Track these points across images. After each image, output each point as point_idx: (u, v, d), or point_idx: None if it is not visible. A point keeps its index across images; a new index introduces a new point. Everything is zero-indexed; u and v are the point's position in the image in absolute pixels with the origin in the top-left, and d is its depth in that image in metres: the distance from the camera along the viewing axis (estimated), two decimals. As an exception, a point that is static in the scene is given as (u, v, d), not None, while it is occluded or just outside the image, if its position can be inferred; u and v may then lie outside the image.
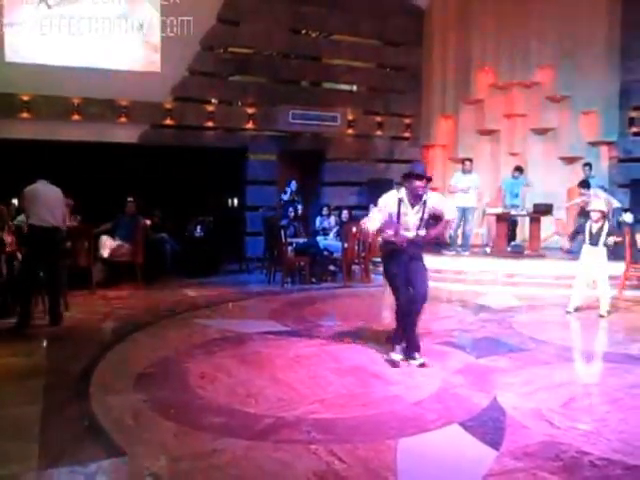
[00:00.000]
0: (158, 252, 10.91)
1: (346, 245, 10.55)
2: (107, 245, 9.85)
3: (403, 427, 4.27)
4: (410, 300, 5.68)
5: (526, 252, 11.35)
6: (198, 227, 11.65)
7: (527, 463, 3.71)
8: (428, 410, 4.60)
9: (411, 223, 5.66)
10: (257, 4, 12.50)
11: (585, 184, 11.30)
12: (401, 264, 5.69)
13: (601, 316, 7.91)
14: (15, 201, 9.88)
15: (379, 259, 9.33)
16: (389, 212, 5.63)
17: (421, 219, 5.67)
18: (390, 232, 5.70)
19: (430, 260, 10.97)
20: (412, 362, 5.72)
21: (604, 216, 8.09)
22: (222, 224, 12.01)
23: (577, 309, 8.14)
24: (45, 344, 6.34)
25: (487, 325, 7.51)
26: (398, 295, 5.74)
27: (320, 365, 5.72)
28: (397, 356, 5.79)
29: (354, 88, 14.32)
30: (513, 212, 11.75)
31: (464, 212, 11.57)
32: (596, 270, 7.99)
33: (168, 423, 4.29)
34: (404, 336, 5.81)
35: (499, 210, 11.74)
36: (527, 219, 11.92)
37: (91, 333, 6.88)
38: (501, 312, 8.31)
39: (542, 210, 11.47)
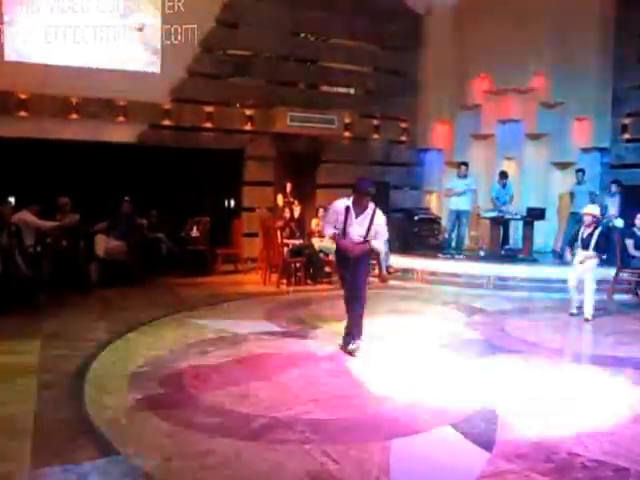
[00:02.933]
0: (154, 252, 10.91)
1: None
2: (103, 244, 9.84)
3: (396, 428, 4.29)
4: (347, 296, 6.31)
5: (520, 256, 11.38)
6: (194, 227, 11.65)
7: (519, 465, 3.74)
8: (421, 411, 4.62)
9: (355, 232, 6.09)
10: (256, 7, 12.48)
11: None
12: (348, 267, 6.19)
13: (586, 319, 7.95)
14: (12, 199, 9.86)
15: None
16: (338, 218, 6.11)
17: (367, 230, 6.08)
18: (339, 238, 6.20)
19: (424, 262, 11.27)
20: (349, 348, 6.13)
21: (596, 221, 8.13)
22: (219, 225, 11.99)
23: (579, 310, 8.17)
24: (39, 342, 6.30)
25: (480, 328, 7.55)
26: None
27: (314, 366, 5.74)
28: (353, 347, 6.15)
29: (351, 91, 14.32)
30: (508, 216, 11.79)
31: (458, 215, 11.62)
32: (584, 273, 8.05)
33: (162, 423, 4.30)
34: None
35: (493, 214, 11.78)
36: (520, 223, 11.95)
37: (86, 332, 6.86)
38: (494, 315, 8.35)
39: (535, 214, 11.51)
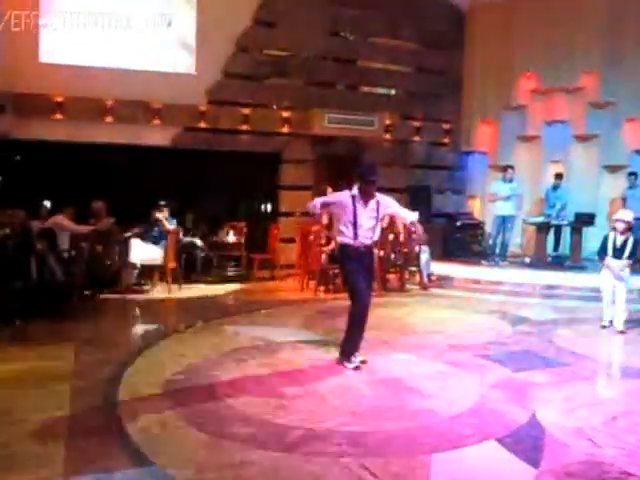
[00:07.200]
0: (189, 256, 10.90)
1: (382, 253, 10.39)
2: (138, 249, 9.83)
3: (438, 442, 4.17)
4: (368, 305, 5.81)
5: (567, 263, 11.05)
6: (230, 232, 11.60)
7: (567, 483, 3.59)
8: (464, 425, 4.48)
9: (366, 224, 5.75)
10: (294, 5, 12.44)
11: None
12: (361, 269, 5.81)
13: (622, 332, 7.58)
14: (47, 203, 9.95)
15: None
16: (345, 210, 5.72)
17: (376, 219, 5.80)
18: (348, 235, 5.78)
19: (467, 270, 11.05)
20: (350, 364, 5.78)
21: (630, 228, 7.75)
22: (255, 229, 11.92)
23: (612, 322, 7.83)
24: (73, 348, 6.32)
25: (526, 338, 7.33)
26: (358, 299, 5.78)
27: (352, 376, 5.62)
28: (354, 363, 5.79)
29: (392, 92, 14.19)
30: (554, 222, 11.48)
31: (503, 221, 11.37)
32: (618, 283, 7.67)
33: (196, 432, 4.23)
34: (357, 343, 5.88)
35: (539, 219, 11.48)
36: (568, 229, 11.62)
37: (120, 338, 6.88)
38: (540, 325, 8.10)
39: (584, 220, 11.17)
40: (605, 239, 7.90)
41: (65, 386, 5.11)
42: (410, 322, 8.42)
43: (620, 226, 7.67)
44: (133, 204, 10.43)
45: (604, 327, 7.82)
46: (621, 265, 7.65)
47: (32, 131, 10.56)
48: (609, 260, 7.72)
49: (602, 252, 7.89)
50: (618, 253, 7.64)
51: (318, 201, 6.07)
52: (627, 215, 7.90)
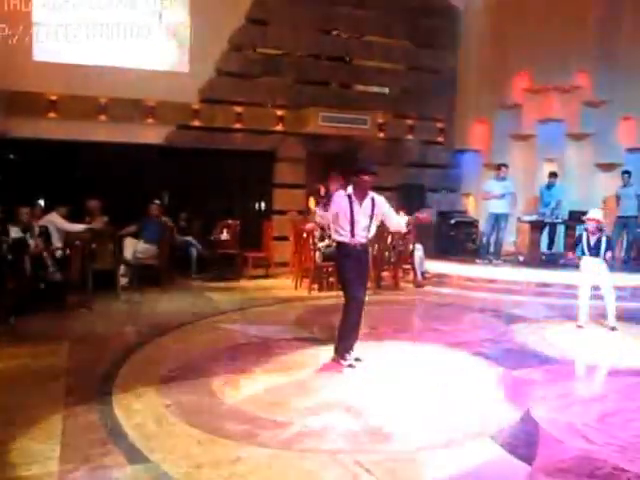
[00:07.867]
0: (184, 255, 10.89)
1: (376, 251, 10.39)
2: (132, 248, 9.82)
3: (432, 439, 4.18)
4: (363, 303, 5.82)
5: (561, 261, 11.09)
6: (224, 230, 11.59)
7: (561, 479, 3.60)
8: (459, 422, 4.49)
9: (362, 222, 5.76)
10: (287, 4, 12.43)
11: None
12: (357, 267, 5.81)
13: (613, 329, 7.59)
14: (42, 202, 9.91)
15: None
16: (342, 210, 5.72)
17: (370, 217, 5.80)
18: (344, 234, 5.79)
19: (462, 268, 11.06)
20: (345, 362, 5.77)
21: (600, 228, 7.74)
22: (249, 228, 11.91)
23: (587, 322, 7.80)
24: (67, 346, 6.31)
25: (520, 336, 7.33)
26: (353, 297, 5.76)
27: (347, 373, 5.64)
28: (348, 361, 5.78)
29: (385, 90, 14.16)
30: (548, 220, 11.50)
31: (497, 219, 11.37)
32: (600, 281, 7.70)
33: (191, 429, 4.23)
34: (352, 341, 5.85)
35: (533, 218, 11.50)
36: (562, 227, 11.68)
37: (114, 336, 6.86)
38: (534, 323, 8.11)
39: (578, 218, 11.20)
40: (579, 238, 7.93)
41: (60, 383, 5.11)
42: (404, 320, 8.44)
43: (592, 226, 7.67)
44: (127, 203, 10.39)
45: (580, 327, 7.74)
46: (599, 263, 7.64)
47: (26, 130, 10.50)
48: (586, 260, 7.73)
49: (574, 248, 8.00)
50: (593, 252, 7.66)
51: (323, 214, 6.11)
52: (597, 214, 7.87)
